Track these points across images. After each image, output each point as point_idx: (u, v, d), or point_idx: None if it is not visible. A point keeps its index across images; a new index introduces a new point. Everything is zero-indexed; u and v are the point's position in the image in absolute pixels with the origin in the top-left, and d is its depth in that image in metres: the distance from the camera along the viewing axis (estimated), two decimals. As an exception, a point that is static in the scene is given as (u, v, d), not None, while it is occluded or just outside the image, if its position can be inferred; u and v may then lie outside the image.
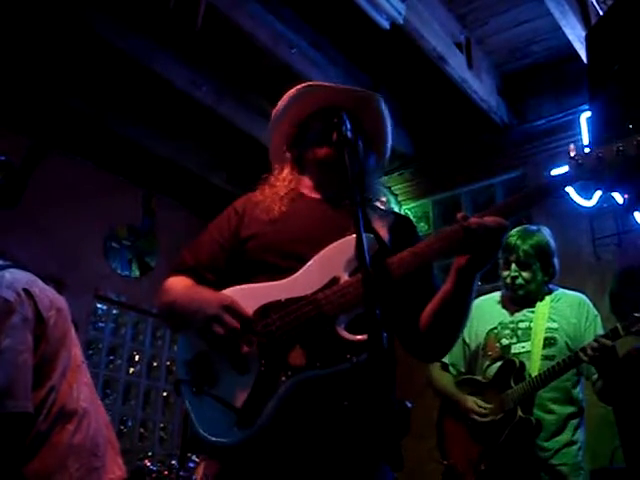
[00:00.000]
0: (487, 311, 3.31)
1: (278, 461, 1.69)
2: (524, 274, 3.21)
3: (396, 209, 6.80)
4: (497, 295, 3.38)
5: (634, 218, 5.09)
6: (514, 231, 3.29)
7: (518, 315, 3.26)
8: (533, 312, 3.22)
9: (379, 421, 1.43)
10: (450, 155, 6.49)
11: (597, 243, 5.35)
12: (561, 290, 3.32)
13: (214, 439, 1.69)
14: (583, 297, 3.27)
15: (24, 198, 5.31)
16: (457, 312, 1.81)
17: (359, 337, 1.62)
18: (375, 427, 1.55)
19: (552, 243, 3.28)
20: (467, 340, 3.31)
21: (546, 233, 3.29)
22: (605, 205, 5.19)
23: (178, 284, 1.95)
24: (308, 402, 1.68)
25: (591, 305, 3.23)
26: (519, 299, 3.27)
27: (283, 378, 1.66)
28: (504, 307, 3.32)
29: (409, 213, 6.88)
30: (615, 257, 5.24)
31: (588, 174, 1.68)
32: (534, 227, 3.36)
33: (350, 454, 1.68)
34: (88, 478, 2.54)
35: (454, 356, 3.32)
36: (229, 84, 5.83)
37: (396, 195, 6.92)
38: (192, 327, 1.80)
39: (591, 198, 5.18)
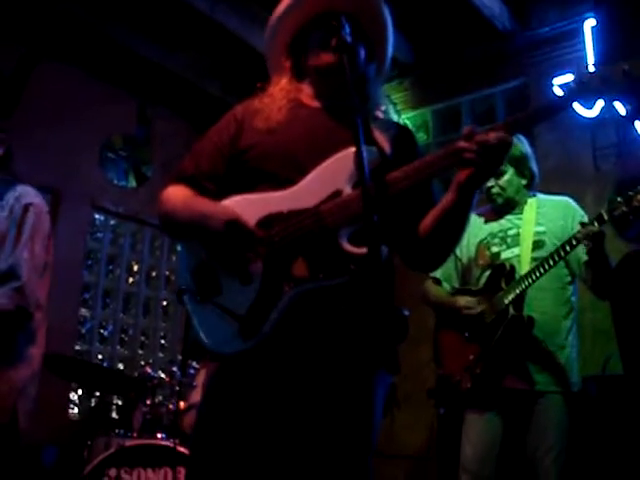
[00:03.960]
0: (476, 225, 3.34)
1: (278, 367, 1.72)
2: (499, 182, 3.25)
3: (395, 118, 6.72)
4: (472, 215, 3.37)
5: (635, 129, 5.04)
6: None
7: (506, 223, 3.29)
8: (520, 219, 3.26)
9: (376, 326, 1.46)
10: (451, 63, 6.36)
11: (597, 154, 5.31)
12: (546, 196, 3.35)
13: (217, 348, 1.73)
14: (568, 200, 3.31)
15: (19, 110, 5.26)
16: (456, 224, 1.83)
17: (361, 250, 1.63)
18: (372, 332, 1.58)
19: (525, 148, 3.30)
20: (458, 254, 3.35)
21: (517, 140, 3.25)
22: (606, 115, 5.13)
23: (178, 194, 1.93)
24: (309, 312, 1.70)
25: (577, 206, 3.26)
26: (500, 207, 3.32)
27: (286, 289, 1.68)
28: (487, 221, 3.35)
29: (408, 122, 6.78)
30: (615, 168, 5.21)
31: (592, 94, 1.66)
32: None
33: (348, 359, 1.71)
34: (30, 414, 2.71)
35: (446, 271, 3.37)
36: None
37: (395, 104, 6.81)
38: (194, 239, 1.81)
39: (592, 108, 5.11)
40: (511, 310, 3.04)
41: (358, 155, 1.53)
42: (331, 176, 1.76)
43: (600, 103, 5.07)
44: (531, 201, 3.30)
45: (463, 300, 3.19)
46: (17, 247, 2.60)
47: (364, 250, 1.59)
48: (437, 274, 3.38)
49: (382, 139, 1.86)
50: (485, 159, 1.63)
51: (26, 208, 2.69)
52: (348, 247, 1.67)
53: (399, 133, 2.00)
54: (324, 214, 1.71)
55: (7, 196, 2.72)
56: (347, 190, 1.72)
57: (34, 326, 2.70)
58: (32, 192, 2.81)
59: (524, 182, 3.29)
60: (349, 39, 1.78)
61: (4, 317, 2.55)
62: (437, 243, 1.87)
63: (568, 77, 5.23)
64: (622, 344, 3.25)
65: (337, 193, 1.73)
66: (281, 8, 2.02)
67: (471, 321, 3.15)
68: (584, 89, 1.66)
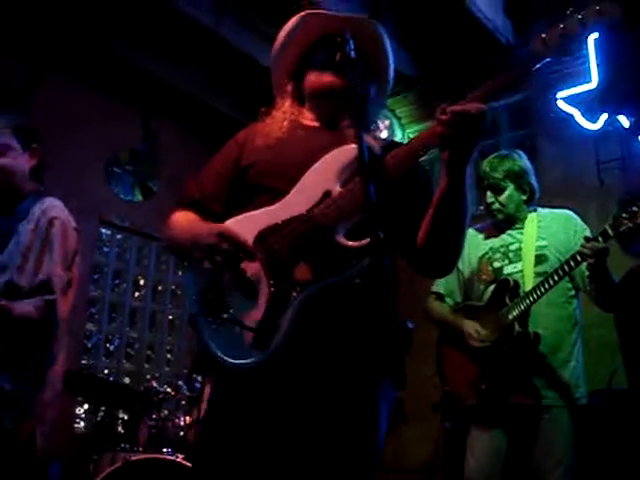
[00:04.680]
0: (477, 240, 3.36)
1: (284, 378, 1.73)
2: (500, 198, 3.27)
3: (399, 132, 6.74)
4: (472, 230, 3.39)
5: (639, 143, 5.04)
6: (486, 160, 3.37)
7: (507, 238, 3.30)
8: (522, 233, 3.26)
9: (381, 338, 1.46)
10: (454, 77, 6.37)
11: (601, 167, 5.31)
12: (547, 210, 3.36)
13: (234, 362, 1.72)
14: (570, 213, 3.30)
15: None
16: (454, 211, 1.78)
17: (360, 242, 1.65)
18: (378, 344, 1.58)
19: (524, 164, 3.32)
20: (460, 268, 3.34)
21: (517, 156, 3.33)
22: (610, 129, 5.13)
23: (182, 220, 1.99)
24: (317, 318, 1.70)
25: (579, 219, 3.25)
26: (501, 223, 3.33)
27: (294, 294, 1.69)
28: (488, 236, 3.36)
29: (412, 137, 6.79)
30: (619, 181, 5.21)
31: (552, 51, 1.73)
32: (505, 152, 3.43)
33: (354, 372, 1.72)
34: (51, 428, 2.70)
35: (449, 286, 3.37)
36: (228, 3, 5.71)
37: (399, 118, 6.83)
38: (192, 260, 1.83)
39: (596, 121, 5.13)
40: (516, 327, 3.03)
41: (359, 146, 1.52)
42: (319, 178, 1.79)
43: (604, 116, 5.10)
44: (532, 215, 3.30)
45: (470, 327, 3.17)
46: (44, 261, 2.58)
47: (363, 242, 1.63)
48: (440, 289, 3.39)
49: (373, 144, 1.86)
50: (462, 126, 1.64)
51: (51, 222, 2.65)
52: (346, 242, 1.69)
53: (394, 146, 2.00)
54: (317, 216, 1.73)
55: (34, 208, 2.69)
56: (337, 189, 1.75)
57: (56, 345, 2.67)
58: (59, 206, 2.76)
59: (524, 197, 3.30)
60: (353, 54, 1.78)
61: (27, 325, 2.52)
62: (441, 239, 1.83)
63: (572, 90, 5.25)
64: (627, 358, 3.23)
65: (327, 193, 1.76)
66: (282, 34, 2.07)
67: None
68: (545, 48, 1.72)
